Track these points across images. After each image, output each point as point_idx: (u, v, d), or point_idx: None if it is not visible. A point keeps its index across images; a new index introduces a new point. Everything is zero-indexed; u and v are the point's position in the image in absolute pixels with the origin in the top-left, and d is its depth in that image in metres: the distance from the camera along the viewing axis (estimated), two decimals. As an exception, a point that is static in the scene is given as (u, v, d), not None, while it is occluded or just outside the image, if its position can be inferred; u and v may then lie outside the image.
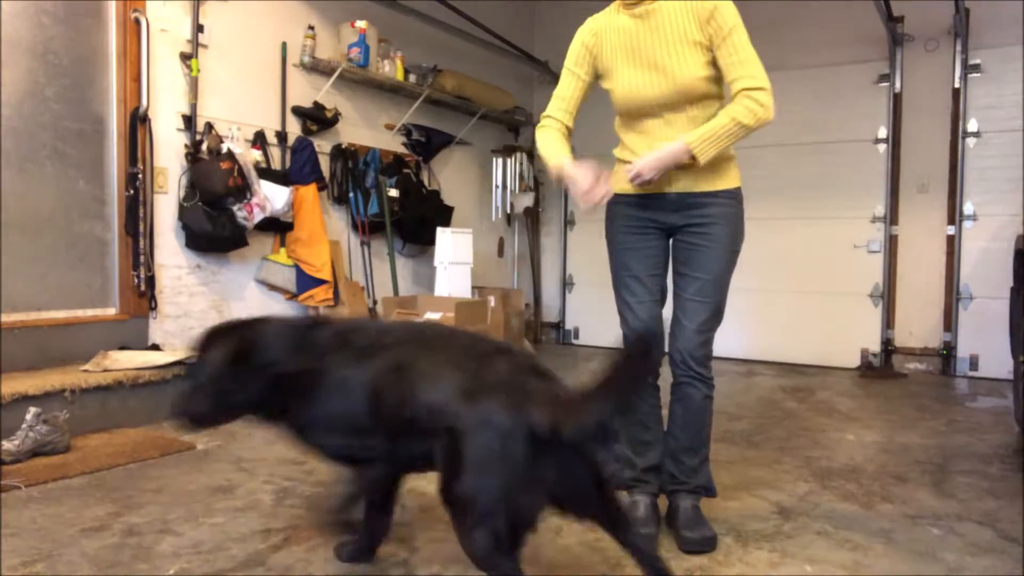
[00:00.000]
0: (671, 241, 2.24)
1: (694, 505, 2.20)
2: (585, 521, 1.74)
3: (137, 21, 3.72)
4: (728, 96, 2.11)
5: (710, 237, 2.14)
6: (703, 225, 2.14)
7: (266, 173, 4.26)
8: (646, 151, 2.12)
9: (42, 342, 3.45)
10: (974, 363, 5.25)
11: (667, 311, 2.26)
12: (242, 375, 1.72)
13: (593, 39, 2.21)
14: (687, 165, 2.10)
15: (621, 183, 2.23)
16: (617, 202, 2.26)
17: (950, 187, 5.30)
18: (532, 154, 6.69)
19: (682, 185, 2.14)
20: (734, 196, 2.17)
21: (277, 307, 4.49)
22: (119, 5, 3.72)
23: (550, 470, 1.55)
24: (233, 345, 1.73)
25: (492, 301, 5.26)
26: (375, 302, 5.04)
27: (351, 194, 4.93)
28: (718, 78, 2.10)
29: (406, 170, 5.33)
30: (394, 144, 5.39)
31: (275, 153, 4.49)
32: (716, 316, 2.17)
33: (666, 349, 2.21)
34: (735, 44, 2.04)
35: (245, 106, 4.32)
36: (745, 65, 2.04)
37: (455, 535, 1.58)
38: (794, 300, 5.84)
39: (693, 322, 2.15)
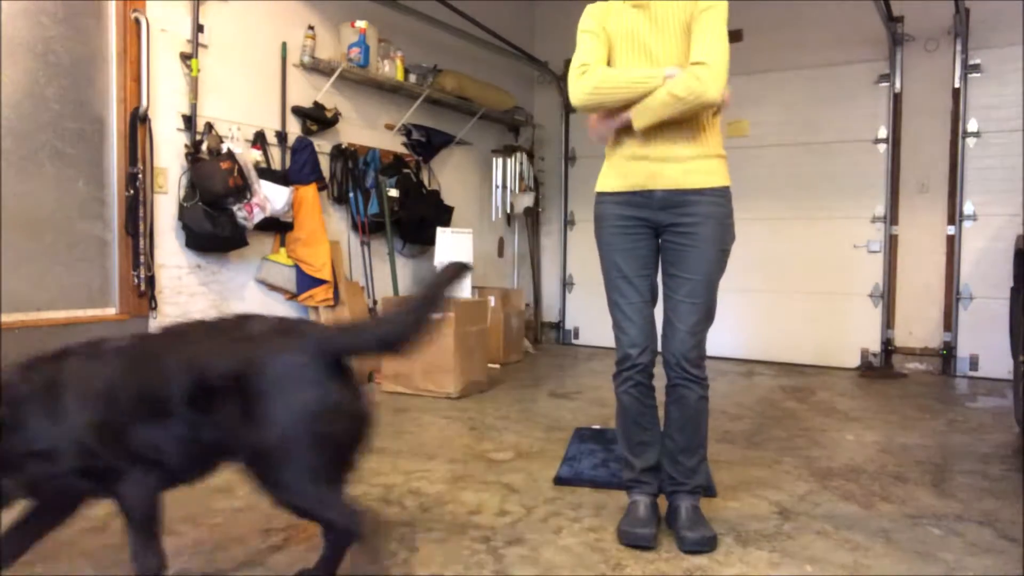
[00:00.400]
0: (660, 241, 2.23)
1: (694, 505, 2.20)
2: None
3: (137, 21, 3.72)
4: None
5: (698, 237, 2.13)
6: (691, 224, 2.14)
7: (266, 173, 4.26)
8: (634, 141, 2.15)
9: (42, 342, 3.45)
10: (974, 363, 5.25)
11: (657, 310, 2.26)
12: None
13: (603, 15, 2.23)
14: (674, 160, 2.12)
15: (609, 181, 2.25)
16: (604, 201, 2.27)
17: (950, 187, 5.29)
18: (532, 154, 6.70)
19: (669, 182, 2.14)
20: (722, 195, 2.17)
21: (277, 307, 4.49)
22: (119, 5, 3.72)
23: (348, 395, 1.56)
24: None
25: (492, 301, 5.26)
26: (375, 302, 5.04)
27: (351, 194, 4.93)
28: None
29: (406, 170, 5.33)
30: (394, 144, 5.39)
31: (275, 153, 4.49)
32: (708, 317, 2.17)
33: (659, 350, 2.22)
34: (704, 23, 2.07)
35: (245, 106, 4.32)
36: (703, 42, 2.05)
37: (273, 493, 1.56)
38: (794, 300, 5.84)
39: (685, 324, 2.15)
